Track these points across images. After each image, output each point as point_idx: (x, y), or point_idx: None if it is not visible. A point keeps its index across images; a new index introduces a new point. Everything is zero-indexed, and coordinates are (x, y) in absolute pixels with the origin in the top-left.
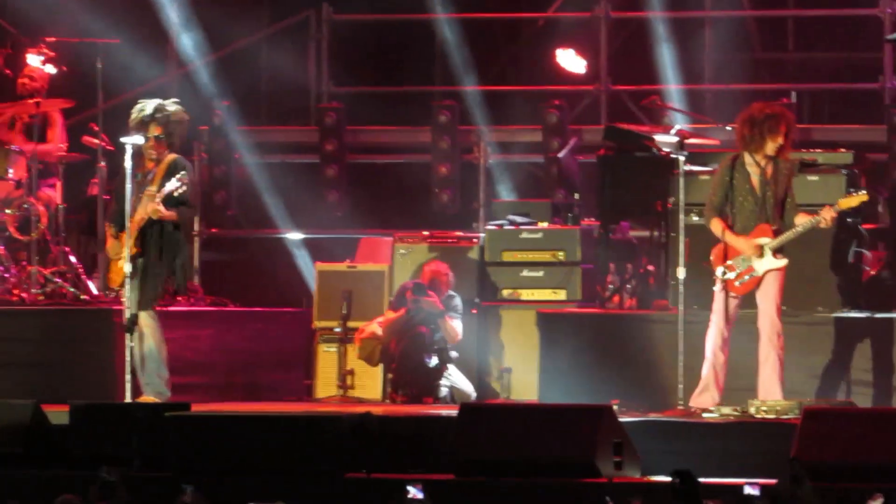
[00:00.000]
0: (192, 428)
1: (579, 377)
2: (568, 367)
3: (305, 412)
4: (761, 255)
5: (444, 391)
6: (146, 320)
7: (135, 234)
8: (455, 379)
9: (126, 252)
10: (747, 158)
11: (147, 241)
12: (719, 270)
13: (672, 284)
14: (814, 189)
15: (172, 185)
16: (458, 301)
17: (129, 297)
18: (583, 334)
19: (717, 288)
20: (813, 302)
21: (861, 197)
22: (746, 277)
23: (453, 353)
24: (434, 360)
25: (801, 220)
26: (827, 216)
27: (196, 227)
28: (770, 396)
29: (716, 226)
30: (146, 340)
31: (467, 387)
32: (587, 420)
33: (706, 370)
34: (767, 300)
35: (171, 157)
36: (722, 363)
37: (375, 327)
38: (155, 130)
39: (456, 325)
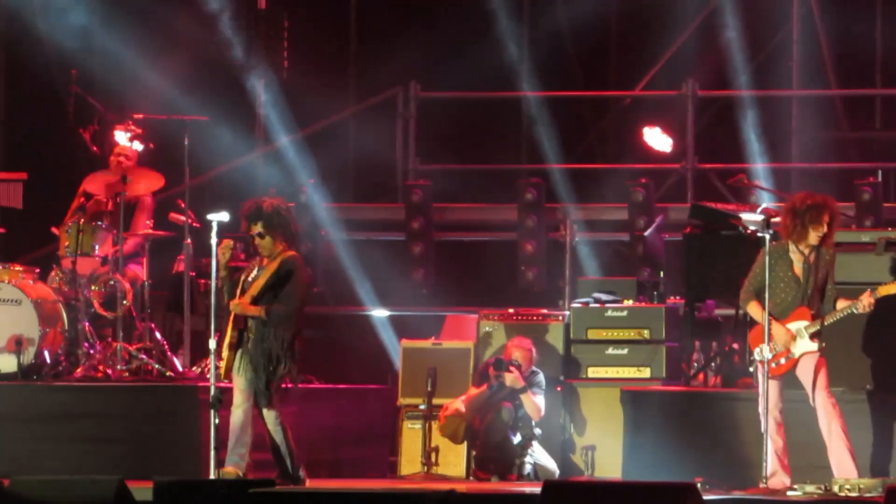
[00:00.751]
0: None
1: (663, 455)
2: (652, 444)
3: (389, 489)
4: (795, 339)
5: (527, 468)
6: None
7: (231, 321)
8: (538, 456)
9: (227, 336)
10: (791, 246)
11: (245, 333)
12: (756, 351)
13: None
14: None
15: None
16: (541, 377)
17: (212, 373)
18: (667, 412)
19: (757, 371)
20: (885, 377)
21: None
22: (783, 360)
23: (537, 430)
24: (518, 437)
25: (841, 305)
26: (865, 302)
27: None
28: (843, 469)
29: (753, 309)
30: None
31: (550, 464)
32: (672, 498)
33: (769, 456)
34: (810, 378)
35: (285, 255)
36: (782, 447)
37: (459, 404)
38: (255, 228)
39: (539, 401)
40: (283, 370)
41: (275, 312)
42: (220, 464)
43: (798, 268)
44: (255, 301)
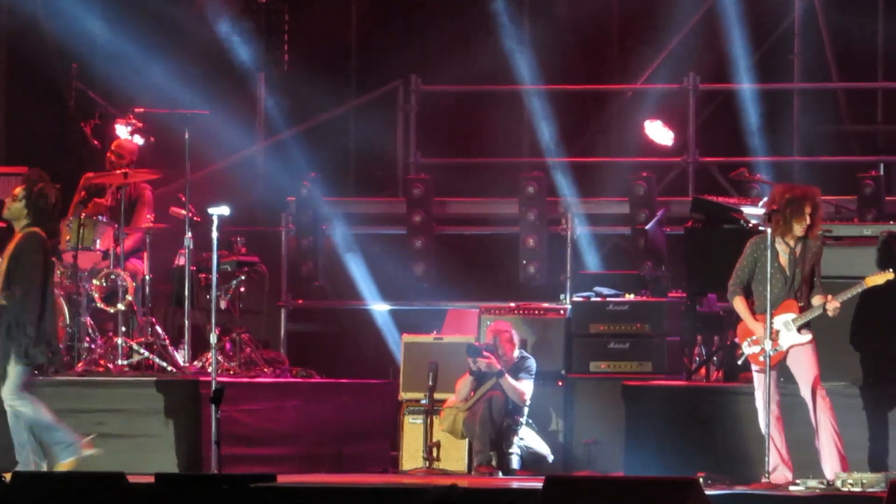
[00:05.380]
0: (277, 499)
1: (665, 450)
2: (653, 439)
3: (391, 484)
4: (778, 332)
5: (517, 453)
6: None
7: None
8: (529, 441)
9: None
10: (777, 238)
11: None
12: (744, 344)
13: None
14: None
15: None
16: (530, 362)
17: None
18: (669, 407)
19: (751, 365)
20: (885, 371)
21: (888, 275)
22: (771, 352)
23: (525, 416)
24: (505, 423)
25: (817, 302)
26: (831, 307)
27: (283, 297)
28: (830, 463)
29: (738, 304)
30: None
31: (543, 448)
32: (674, 493)
33: (769, 451)
34: (801, 370)
35: (26, 230)
36: (782, 442)
37: (453, 397)
38: (16, 191)
39: (523, 386)
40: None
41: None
42: (224, 459)
43: (784, 259)
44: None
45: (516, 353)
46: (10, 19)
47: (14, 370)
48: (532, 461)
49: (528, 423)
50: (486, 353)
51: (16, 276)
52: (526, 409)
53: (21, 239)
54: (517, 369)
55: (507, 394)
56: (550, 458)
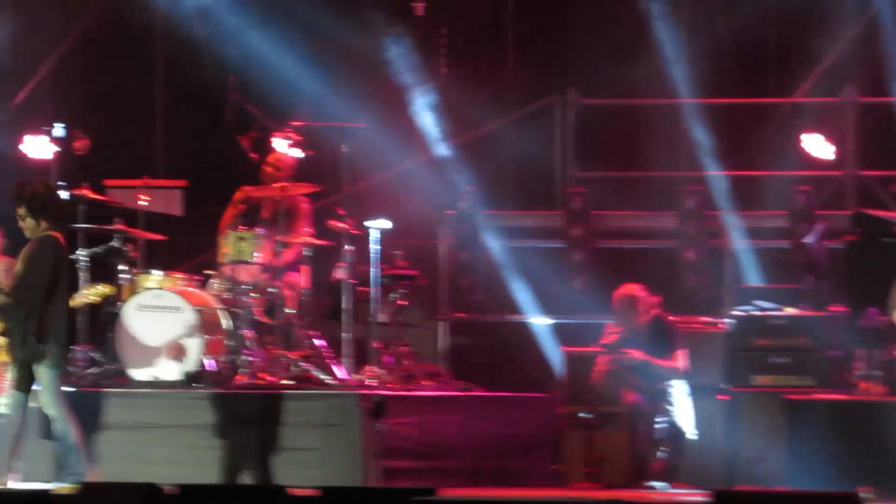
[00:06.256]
0: None
1: (827, 463)
2: (815, 453)
3: (553, 498)
4: None
5: (663, 426)
6: None
7: None
8: (678, 412)
9: None
10: None
11: None
12: None
13: None
14: None
15: None
16: (668, 325)
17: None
18: (830, 420)
19: None
20: None
21: None
22: None
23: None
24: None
25: None
26: None
27: (442, 311)
28: None
29: None
30: None
31: (686, 424)
32: None
33: None
34: None
35: (42, 234)
36: None
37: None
38: (19, 211)
39: (672, 358)
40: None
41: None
42: (385, 472)
43: None
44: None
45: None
46: (169, 33)
47: (42, 377)
48: (670, 435)
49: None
50: (623, 351)
51: (24, 277)
52: (683, 378)
53: (33, 242)
54: (657, 340)
55: (665, 374)
56: (692, 436)
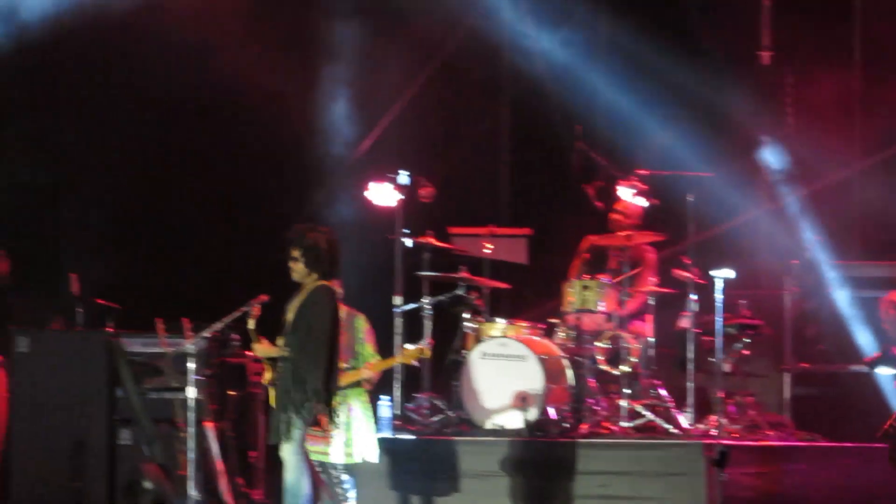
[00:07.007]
0: None
1: None
2: None
3: None
4: None
5: None
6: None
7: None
8: None
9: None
10: None
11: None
12: None
13: None
14: None
15: None
16: None
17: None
18: None
19: None
20: None
21: None
22: None
23: None
24: None
25: None
26: None
27: (787, 361)
28: None
29: None
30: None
31: None
32: None
33: None
34: None
35: (315, 284)
36: None
37: None
38: (293, 252)
39: None
40: (301, 407)
41: (292, 345)
42: None
43: None
44: (289, 332)
45: None
46: (516, 84)
47: (293, 426)
48: None
49: None
50: None
51: (300, 328)
52: None
53: (309, 292)
54: None
55: None
56: None
